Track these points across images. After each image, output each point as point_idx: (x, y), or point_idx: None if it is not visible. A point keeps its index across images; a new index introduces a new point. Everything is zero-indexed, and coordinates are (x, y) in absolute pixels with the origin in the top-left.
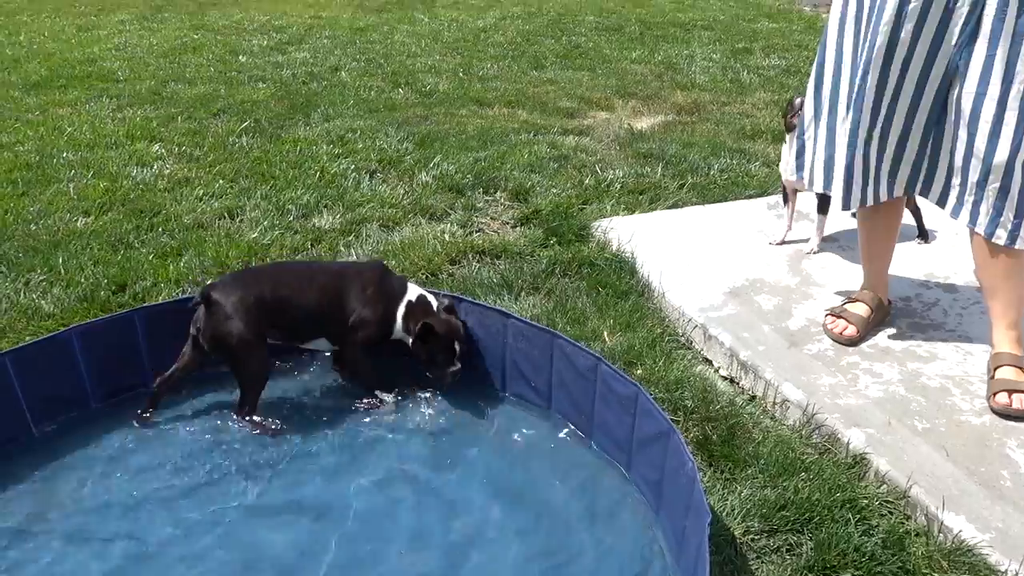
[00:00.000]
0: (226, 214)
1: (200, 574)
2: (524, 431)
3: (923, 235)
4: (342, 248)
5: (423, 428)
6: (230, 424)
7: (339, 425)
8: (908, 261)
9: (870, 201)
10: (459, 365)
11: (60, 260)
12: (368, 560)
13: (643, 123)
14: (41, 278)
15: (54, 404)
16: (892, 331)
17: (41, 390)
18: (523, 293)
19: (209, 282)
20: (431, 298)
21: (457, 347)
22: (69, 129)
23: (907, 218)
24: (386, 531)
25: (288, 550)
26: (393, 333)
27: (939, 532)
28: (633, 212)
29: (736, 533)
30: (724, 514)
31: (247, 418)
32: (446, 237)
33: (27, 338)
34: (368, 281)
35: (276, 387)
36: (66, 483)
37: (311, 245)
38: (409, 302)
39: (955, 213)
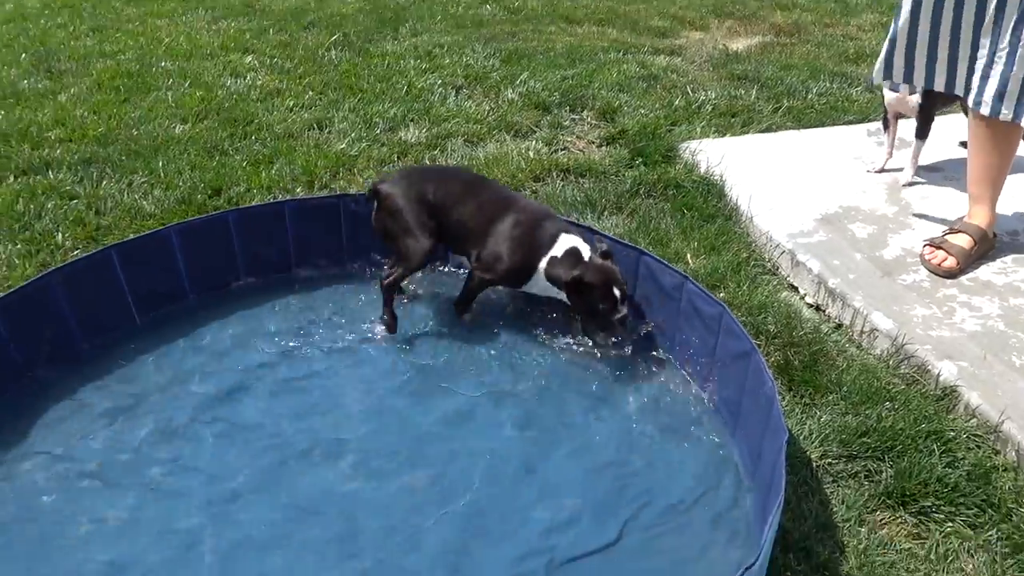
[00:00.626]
0: (315, 125)
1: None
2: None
3: None
4: (427, 162)
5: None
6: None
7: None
8: (1019, 193)
9: (958, 89)
10: (624, 310)
11: (160, 164)
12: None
13: (739, 44)
14: (143, 180)
15: (155, 296)
16: (996, 265)
17: (143, 283)
18: (606, 212)
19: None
20: (584, 246)
21: (617, 292)
22: (167, 39)
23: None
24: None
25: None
26: (530, 285)
27: None
28: (724, 135)
29: (813, 456)
30: (802, 438)
31: (385, 288)
32: (530, 154)
33: (130, 235)
34: (520, 222)
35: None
36: (162, 369)
37: (397, 158)
38: (552, 257)
39: None
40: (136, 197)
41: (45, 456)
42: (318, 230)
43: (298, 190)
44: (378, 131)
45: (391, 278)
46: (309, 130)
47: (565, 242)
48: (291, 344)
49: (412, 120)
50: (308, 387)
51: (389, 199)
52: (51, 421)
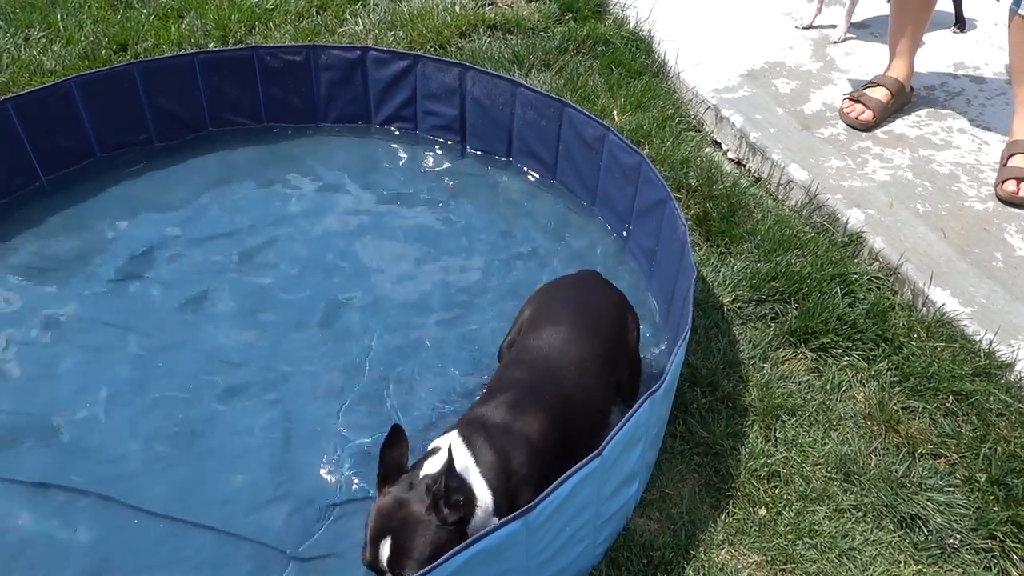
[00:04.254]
0: None
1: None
2: (526, 202)
3: (960, 23)
4: (348, 16)
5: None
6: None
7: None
8: (938, 50)
9: None
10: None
11: (59, 17)
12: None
13: None
14: (40, 35)
15: (61, 155)
16: (911, 118)
17: (46, 140)
18: (534, 70)
19: None
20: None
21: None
22: None
23: (944, 4)
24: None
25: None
26: None
27: (923, 306)
28: None
29: (725, 301)
30: (715, 284)
31: None
32: (457, 9)
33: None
34: None
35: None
36: (70, 230)
37: (316, 12)
38: None
39: None
40: (34, 52)
41: None
42: (232, 85)
43: (210, 46)
44: None
45: None
46: None
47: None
48: (204, 202)
49: None
50: (222, 246)
51: None
52: None
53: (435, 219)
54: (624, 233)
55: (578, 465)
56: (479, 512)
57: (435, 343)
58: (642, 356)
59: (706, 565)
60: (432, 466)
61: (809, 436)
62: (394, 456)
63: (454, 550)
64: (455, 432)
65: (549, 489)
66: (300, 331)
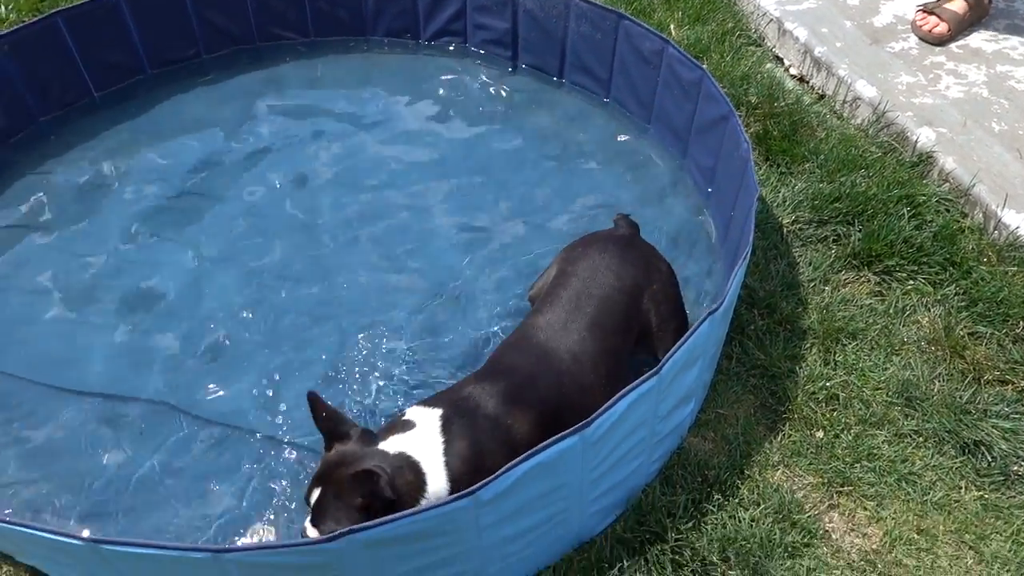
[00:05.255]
0: None
1: None
2: (579, 119)
3: None
4: None
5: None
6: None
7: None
8: None
9: None
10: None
11: None
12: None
13: None
14: None
15: (111, 70)
16: (987, 32)
17: (96, 54)
18: None
19: None
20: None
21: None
22: None
23: None
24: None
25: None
26: None
27: (995, 229)
28: None
29: (785, 222)
30: (775, 205)
31: None
32: None
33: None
34: None
35: None
36: (124, 144)
37: None
38: None
39: None
40: None
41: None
42: None
43: None
44: None
45: None
46: None
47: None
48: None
49: None
50: (278, 161)
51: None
52: (17, 197)
53: (485, 137)
54: (681, 152)
55: (635, 383)
56: (426, 500)
57: (487, 261)
58: (699, 276)
59: (761, 485)
60: (397, 444)
61: (870, 360)
62: (327, 422)
63: (512, 463)
64: (438, 411)
65: (605, 406)
66: (355, 245)
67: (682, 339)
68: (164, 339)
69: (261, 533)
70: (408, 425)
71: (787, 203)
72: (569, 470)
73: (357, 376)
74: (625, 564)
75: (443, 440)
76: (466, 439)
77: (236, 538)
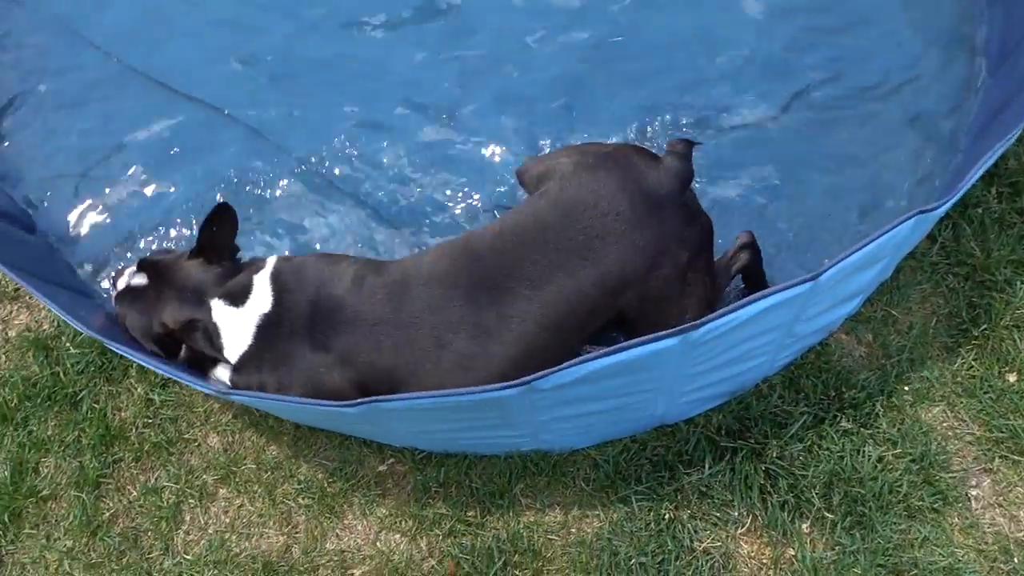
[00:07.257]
0: None
1: None
2: None
3: None
4: None
5: None
6: None
7: None
8: None
9: None
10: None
11: None
12: None
13: None
14: None
15: None
16: None
17: None
18: None
19: None
20: None
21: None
22: None
23: None
24: None
25: None
26: None
27: None
28: None
29: None
30: None
31: None
32: None
33: None
34: None
35: None
36: None
37: None
38: None
39: None
40: None
41: None
42: None
43: None
44: None
45: None
46: None
47: None
48: None
49: None
50: None
51: None
52: None
53: None
54: None
55: (782, 285)
56: (215, 372)
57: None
58: (936, 114)
59: (908, 421)
60: (239, 282)
61: None
62: (216, 235)
63: (593, 354)
64: (293, 265)
65: (728, 308)
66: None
67: (868, 239)
68: None
69: None
70: (258, 269)
71: None
72: (665, 366)
73: None
74: (706, 469)
75: (272, 300)
76: (300, 314)
77: None
